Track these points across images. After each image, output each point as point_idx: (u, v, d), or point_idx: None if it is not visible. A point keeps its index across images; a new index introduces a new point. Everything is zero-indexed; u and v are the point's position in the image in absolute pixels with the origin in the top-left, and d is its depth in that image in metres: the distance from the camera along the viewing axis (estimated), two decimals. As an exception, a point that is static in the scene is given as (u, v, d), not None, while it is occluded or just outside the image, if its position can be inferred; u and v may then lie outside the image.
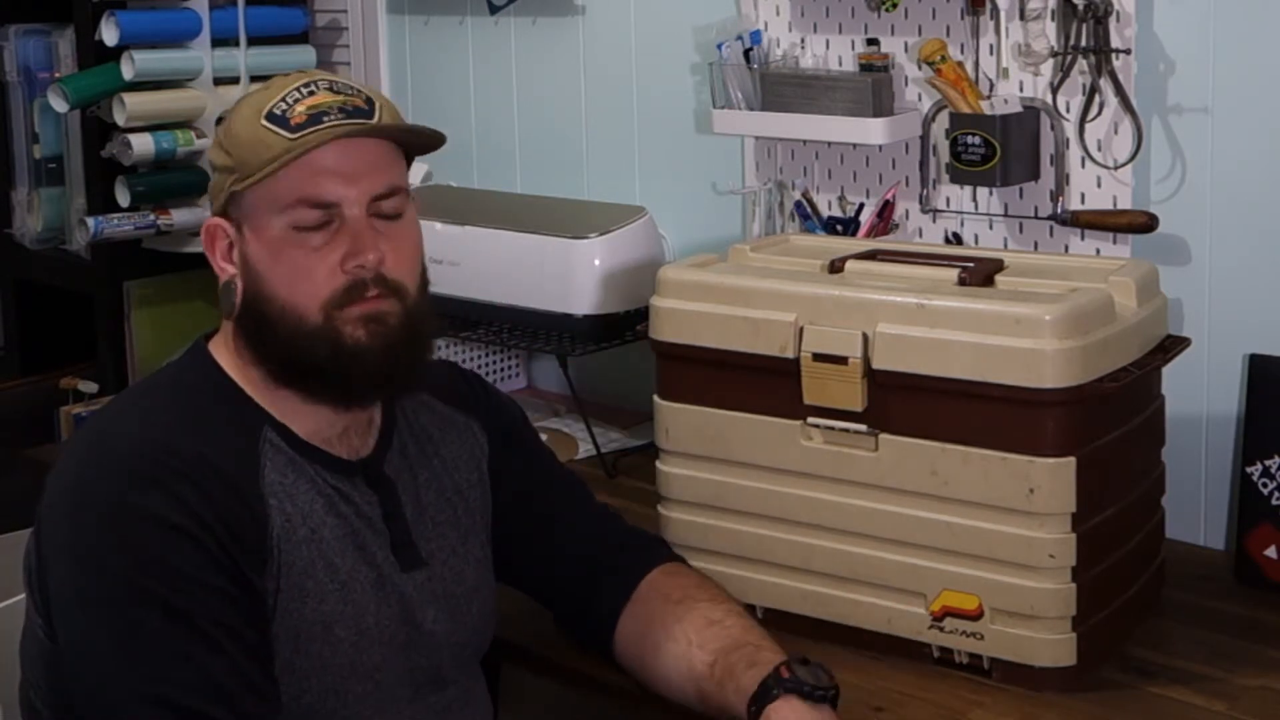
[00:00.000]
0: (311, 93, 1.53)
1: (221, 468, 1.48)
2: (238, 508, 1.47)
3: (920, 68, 2.19)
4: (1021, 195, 2.15)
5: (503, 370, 2.79)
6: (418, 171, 2.81)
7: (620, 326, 2.34)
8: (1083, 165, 2.08)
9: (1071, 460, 1.63)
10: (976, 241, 2.20)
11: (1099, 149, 2.06)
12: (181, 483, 1.45)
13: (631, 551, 1.74)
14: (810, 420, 1.75)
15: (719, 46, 2.32)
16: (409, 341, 1.55)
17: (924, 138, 2.22)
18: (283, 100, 1.52)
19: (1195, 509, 2.06)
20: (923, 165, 2.23)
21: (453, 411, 1.72)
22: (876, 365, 1.69)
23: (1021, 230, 2.16)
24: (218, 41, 2.80)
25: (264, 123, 1.51)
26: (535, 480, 1.77)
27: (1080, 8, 2.01)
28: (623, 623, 1.69)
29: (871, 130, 2.18)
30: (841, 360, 1.71)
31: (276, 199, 1.51)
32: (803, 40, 2.32)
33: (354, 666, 1.54)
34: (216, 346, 1.60)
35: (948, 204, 2.22)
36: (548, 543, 1.75)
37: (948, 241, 2.22)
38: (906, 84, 2.23)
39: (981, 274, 1.77)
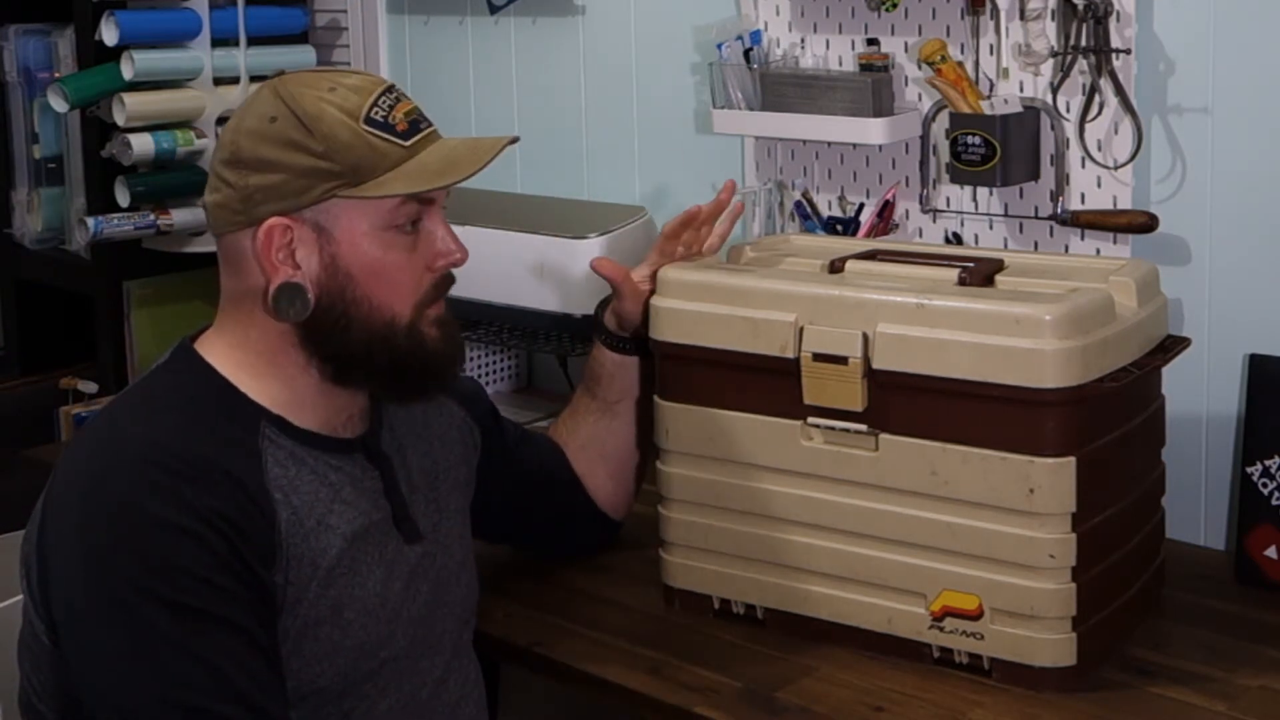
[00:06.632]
0: (397, 99, 1.58)
1: (227, 468, 1.48)
2: (245, 506, 1.48)
3: (920, 68, 2.18)
4: (1021, 195, 2.15)
5: (503, 370, 2.78)
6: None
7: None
8: (1083, 165, 2.08)
9: (1071, 460, 1.63)
10: (976, 241, 2.20)
11: (1099, 149, 2.06)
12: (189, 485, 1.45)
13: (557, 455, 1.97)
14: (810, 420, 1.75)
15: (719, 46, 2.31)
16: (462, 341, 1.67)
17: (924, 138, 2.22)
18: (377, 106, 1.55)
19: (1195, 509, 2.06)
20: (923, 165, 2.23)
21: None
22: (876, 365, 1.69)
23: (1021, 230, 2.16)
24: (218, 41, 2.79)
25: (366, 129, 1.53)
26: (507, 442, 1.91)
27: (1080, 8, 2.01)
28: (588, 486, 1.97)
29: (871, 130, 2.18)
30: (841, 360, 1.71)
31: (382, 202, 1.53)
32: (803, 40, 2.32)
33: (362, 647, 1.56)
34: (206, 347, 1.60)
35: (948, 204, 2.22)
36: (529, 493, 1.94)
37: (948, 241, 2.22)
38: (906, 84, 2.23)
39: (981, 274, 1.77)
